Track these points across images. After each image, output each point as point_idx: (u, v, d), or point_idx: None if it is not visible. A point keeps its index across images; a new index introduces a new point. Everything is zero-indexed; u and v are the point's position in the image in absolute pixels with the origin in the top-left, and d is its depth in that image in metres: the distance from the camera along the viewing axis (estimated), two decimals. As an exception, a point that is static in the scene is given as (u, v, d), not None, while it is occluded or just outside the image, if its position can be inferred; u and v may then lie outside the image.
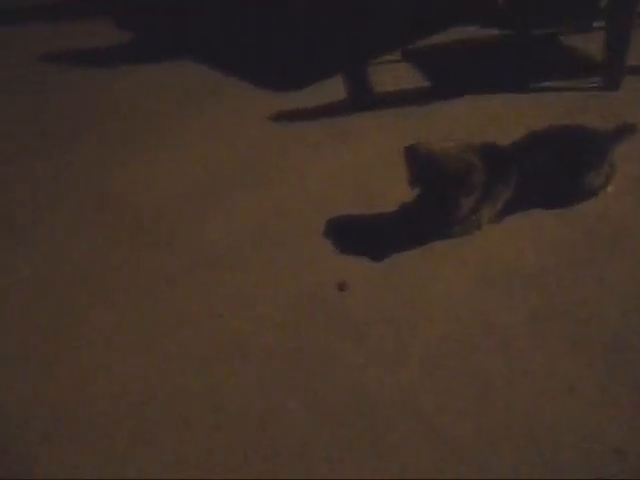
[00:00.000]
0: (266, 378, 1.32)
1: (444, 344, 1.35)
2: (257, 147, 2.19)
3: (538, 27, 2.73)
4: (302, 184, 1.95)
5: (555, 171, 1.64)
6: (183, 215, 1.87)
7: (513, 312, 1.41)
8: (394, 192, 1.77)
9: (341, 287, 1.54)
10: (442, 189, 1.57)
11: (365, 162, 2.03)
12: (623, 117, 1.97)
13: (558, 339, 1.33)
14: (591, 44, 2.49)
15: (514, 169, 1.61)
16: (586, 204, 1.69)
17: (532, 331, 1.36)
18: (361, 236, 1.72)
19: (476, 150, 1.60)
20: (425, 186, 1.62)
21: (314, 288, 1.54)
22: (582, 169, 1.66)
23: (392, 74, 2.60)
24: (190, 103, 2.54)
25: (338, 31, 3.07)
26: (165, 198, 1.95)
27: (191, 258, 1.69)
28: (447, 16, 3.01)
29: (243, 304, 1.52)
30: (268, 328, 1.44)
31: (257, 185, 1.97)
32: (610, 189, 1.69)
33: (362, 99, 2.48)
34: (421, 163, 1.60)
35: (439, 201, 1.60)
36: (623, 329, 1.33)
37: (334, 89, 2.54)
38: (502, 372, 1.27)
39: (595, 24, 2.65)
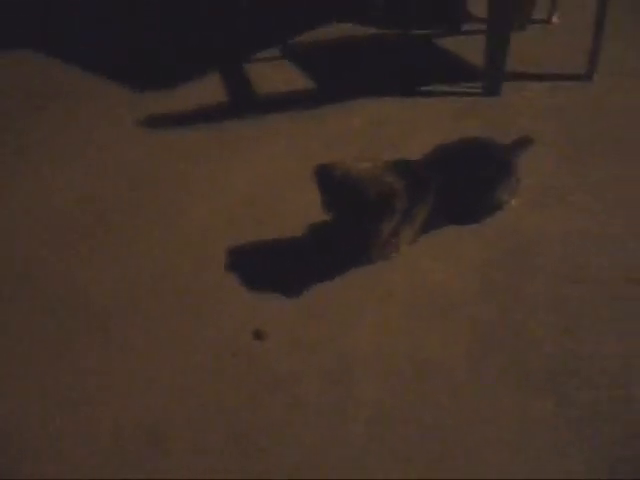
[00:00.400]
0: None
1: (387, 397, 1.22)
2: (127, 169, 1.88)
3: (411, 29, 2.71)
4: (186, 211, 1.70)
5: (467, 187, 1.59)
6: (51, 262, 1.53)
7: (449, 347, 1.32)
8: (301, 211, 1.62)
9: (258, 336, 1.34)
10: (361, 214, 1.43)
11: (261, 176, 1.83)
12: (508, 122, 2.02)
13: (499, 373, 1.26)
14: (463, 47, 2.52)
15: (431, 187, 1.53)
16: (497, 219, 1.66)
17: (471, 366, 1.28)
18: (271, 267, 1.53)
19: (392, 169, 1.49)
20: (341, 211, 1.48)
21: (227, 340, 1.33)
22: (493, 184, 1.63)
23: (273, 72, 2.42)
24: (33, 111, 2.14)
25: (210, 24, 2.82)
26: (31, 242, 1.59)
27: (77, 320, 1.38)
28: (325, 12, 2.89)
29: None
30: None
31: (134, 219, 1.67)
32: (514, 202, 1.69)
33: (243, 100, 2.27)
34: (337, 186, 1.45)
35: (357, 226, 1.46)
36: (557, 354, 1.30)
37: (209, 90, 2.30)
38: (451, 419, 1.18)
39: (464, 27, 2.70)
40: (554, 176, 1.81)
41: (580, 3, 2.26)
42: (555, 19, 2.71)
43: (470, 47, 2.44)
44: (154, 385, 1.24)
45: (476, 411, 1.19)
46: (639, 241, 1.57)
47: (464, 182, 1.58)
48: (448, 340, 1.33)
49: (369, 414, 1.18)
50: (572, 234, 1.60)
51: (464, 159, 1.63)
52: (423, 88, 2.32)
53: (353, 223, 1.46)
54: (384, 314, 1.40)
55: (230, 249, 1.56)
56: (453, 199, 1.57)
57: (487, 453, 1.11)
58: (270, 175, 1.84)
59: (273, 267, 1.54)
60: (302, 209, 1.64)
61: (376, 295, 1.45)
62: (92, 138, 2.03)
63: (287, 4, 3.00)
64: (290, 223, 1.63)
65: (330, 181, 1.45)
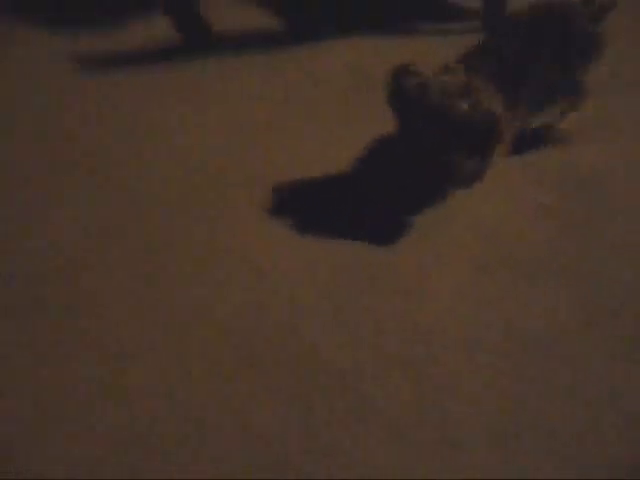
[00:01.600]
0: None
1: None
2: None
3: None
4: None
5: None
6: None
7: (547, 314, 1.08)
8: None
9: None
10: (458, 143, 1.13)
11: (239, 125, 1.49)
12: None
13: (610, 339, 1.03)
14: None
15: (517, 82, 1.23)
16: (551, 158, 1.42)
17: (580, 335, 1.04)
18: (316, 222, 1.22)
19: (483, 79, 1.17)
20: (426, 137, 1.15)
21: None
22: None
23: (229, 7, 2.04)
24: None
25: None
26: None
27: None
28: None
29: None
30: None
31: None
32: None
33: (197, 37, 1.90)
34: (429, 107, 1.12)
35: (444, 155, 1.15)
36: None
37: (159, 25, 1.91)
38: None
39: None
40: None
41: None
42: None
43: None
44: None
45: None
46: None
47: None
48: (543, 305, 1.08)
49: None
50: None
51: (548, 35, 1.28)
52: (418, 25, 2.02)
53: (436, 152, 1.14)
54: (459, 278, 1.13)
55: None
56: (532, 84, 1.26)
57: None
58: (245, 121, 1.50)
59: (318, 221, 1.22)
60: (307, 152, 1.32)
61: (445, 255, 1.17)
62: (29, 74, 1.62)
63: None
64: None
65: (416, 98, 1.13)
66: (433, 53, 1.67)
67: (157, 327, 1.05)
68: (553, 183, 1.35)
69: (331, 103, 1.58)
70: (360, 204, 1.29)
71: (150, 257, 1.18)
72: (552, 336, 1.03)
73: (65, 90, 1.63)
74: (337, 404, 0.93)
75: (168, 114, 1.56)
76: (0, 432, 0.92)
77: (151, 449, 0.89)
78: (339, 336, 1.03)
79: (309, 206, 1.28)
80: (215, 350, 1.01)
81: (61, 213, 1.28)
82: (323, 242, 1.20)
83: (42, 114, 1.55)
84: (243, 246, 1.20)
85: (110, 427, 0.92)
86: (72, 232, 1.24)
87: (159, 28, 1.92)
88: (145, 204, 1.30)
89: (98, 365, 1.00)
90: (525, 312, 1.07)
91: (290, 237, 1.21)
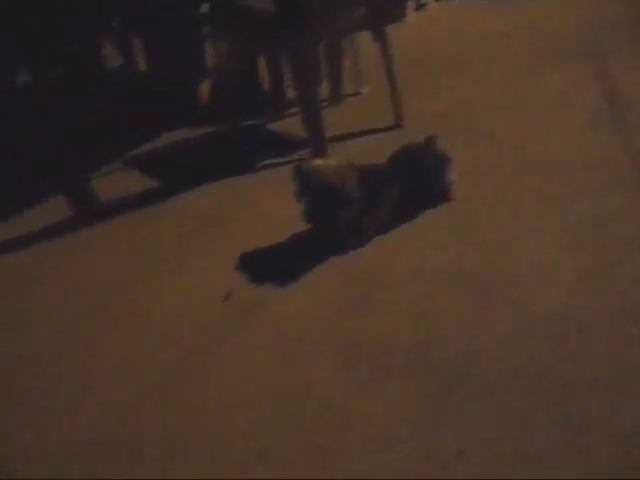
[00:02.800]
0: None
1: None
2: None
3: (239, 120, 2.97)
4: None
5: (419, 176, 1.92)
6: None
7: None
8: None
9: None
10: (321, 201, 1.76)
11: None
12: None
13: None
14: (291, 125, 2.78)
15: (389, 179, 1.86)
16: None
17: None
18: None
19: (353, 167, 1.84)
20: (308, 200, 1.78)
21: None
22: (441, 170, 1.96)
23: (117, 183, 2.50)
24: None
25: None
26: None
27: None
28: (155, 124, 3.04)
29: None
30: None
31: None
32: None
33: (88, 211, 2.33)
34: (304, 178, 1.79)
35: (320, 212, 1.78)
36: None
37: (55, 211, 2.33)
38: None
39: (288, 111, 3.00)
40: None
41: (379, 73, 2.65)
42: (363, 90, 3.12)
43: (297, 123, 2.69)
44: None
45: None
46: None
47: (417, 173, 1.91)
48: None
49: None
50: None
51: (411, 158, 1.94)
52: (260, 164, 2.52)
53: (317, 209, 1.78)
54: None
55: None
56: (413, 188, 1.88)
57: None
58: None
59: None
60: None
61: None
62: None
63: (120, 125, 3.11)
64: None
65: (299, 174, 1.81)
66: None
67: None
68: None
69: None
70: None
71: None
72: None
73: None
74: None
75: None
76: None
77: None
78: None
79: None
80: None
81: None
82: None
83: None
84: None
85: None
86: None
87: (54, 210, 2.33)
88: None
89: None
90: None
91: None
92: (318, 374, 1.38)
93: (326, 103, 2.94)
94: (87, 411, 1.39)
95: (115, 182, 2.55)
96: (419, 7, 4.68)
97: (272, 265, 1.83)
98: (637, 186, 1.87)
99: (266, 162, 2.53)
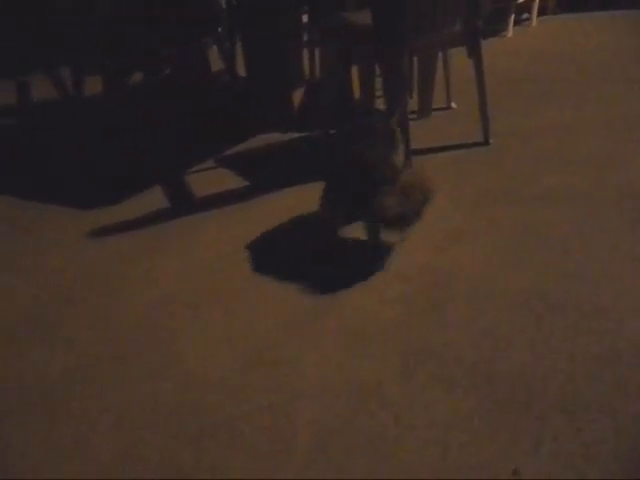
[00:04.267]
0: None
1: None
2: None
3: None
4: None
5: None
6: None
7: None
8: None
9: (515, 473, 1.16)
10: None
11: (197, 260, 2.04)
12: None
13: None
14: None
15: None
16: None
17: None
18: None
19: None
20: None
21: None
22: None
23: (210, 180, 2.67)
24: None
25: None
26: None
27: None
28: (251, 126, 3.21)
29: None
30: None
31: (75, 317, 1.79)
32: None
33: (184, 205, 2.49)
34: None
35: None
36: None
37: (153, 201, 2.53)
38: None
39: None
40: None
41: (472, 90, 2.66)
42: (453, 105, 3.14)
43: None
44: None
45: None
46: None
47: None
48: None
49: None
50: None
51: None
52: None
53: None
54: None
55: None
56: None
57: None
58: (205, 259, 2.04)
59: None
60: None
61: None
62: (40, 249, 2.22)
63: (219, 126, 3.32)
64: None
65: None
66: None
67: None
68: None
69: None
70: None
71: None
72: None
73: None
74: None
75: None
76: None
77: None
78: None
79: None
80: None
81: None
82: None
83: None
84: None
85: None
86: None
87: (153, 200, 2.53)
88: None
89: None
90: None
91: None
92: (385, 374, 1.44)
93: (415, 116, 2.98)
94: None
95: (209, 179, 2.71)
96: (520, 22, 4.61)
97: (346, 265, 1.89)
98: None
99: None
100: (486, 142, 2.63)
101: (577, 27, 4.35)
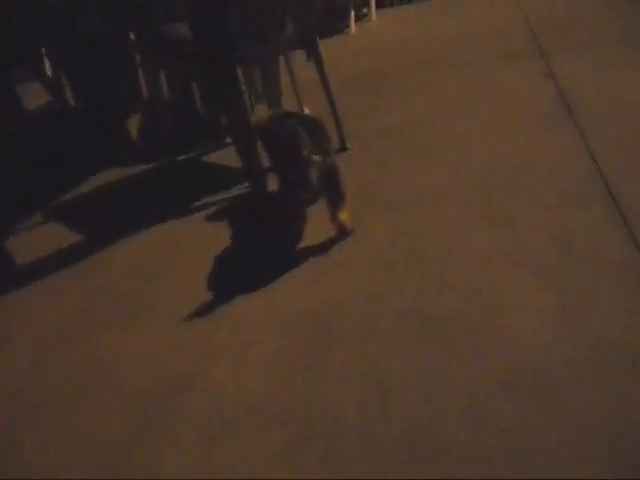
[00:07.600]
0: None
1: None
2: None
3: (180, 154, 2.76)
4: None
5: None
6: None
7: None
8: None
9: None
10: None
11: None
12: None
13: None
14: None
15: None
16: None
17: None
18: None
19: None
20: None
21: None
22: None
23: (38, 239, 2.25)
24: None
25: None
26: None
27: None
28: (87, 165, 2.80)
29: None
30: None
31: None
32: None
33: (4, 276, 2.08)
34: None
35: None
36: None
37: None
38: None
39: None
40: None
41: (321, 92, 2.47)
42: (306, 110, 2.92)
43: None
44: None
45: None
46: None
47: None
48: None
49: None
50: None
51: None
52: (196, 204, 2.31)
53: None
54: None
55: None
56: None
57: None
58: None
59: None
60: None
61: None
62: None
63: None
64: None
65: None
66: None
67: None
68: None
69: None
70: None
71: None
72: None
73: None
74: None
75: None
76: None
77: None
78: None
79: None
80: None
81: None
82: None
83: None
84: None
85: None
86: None
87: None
88: None
89: None
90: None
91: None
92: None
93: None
94: None
95: (36, 239, 2.29)
96: (360, 18, 4.54)
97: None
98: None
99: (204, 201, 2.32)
100: (344, 148, 2.45)
101: (416, 16, 4.37)
